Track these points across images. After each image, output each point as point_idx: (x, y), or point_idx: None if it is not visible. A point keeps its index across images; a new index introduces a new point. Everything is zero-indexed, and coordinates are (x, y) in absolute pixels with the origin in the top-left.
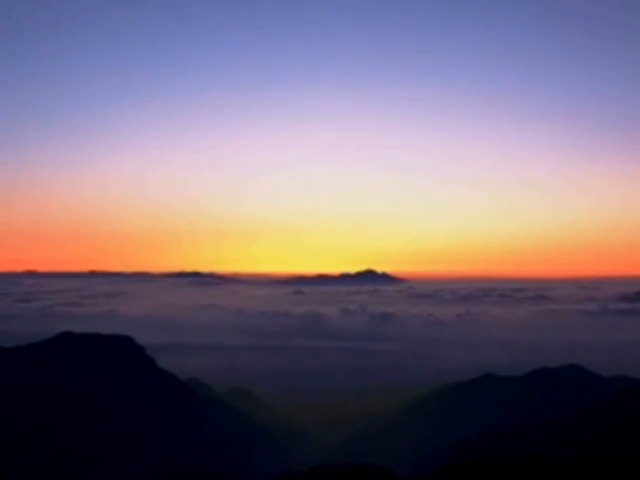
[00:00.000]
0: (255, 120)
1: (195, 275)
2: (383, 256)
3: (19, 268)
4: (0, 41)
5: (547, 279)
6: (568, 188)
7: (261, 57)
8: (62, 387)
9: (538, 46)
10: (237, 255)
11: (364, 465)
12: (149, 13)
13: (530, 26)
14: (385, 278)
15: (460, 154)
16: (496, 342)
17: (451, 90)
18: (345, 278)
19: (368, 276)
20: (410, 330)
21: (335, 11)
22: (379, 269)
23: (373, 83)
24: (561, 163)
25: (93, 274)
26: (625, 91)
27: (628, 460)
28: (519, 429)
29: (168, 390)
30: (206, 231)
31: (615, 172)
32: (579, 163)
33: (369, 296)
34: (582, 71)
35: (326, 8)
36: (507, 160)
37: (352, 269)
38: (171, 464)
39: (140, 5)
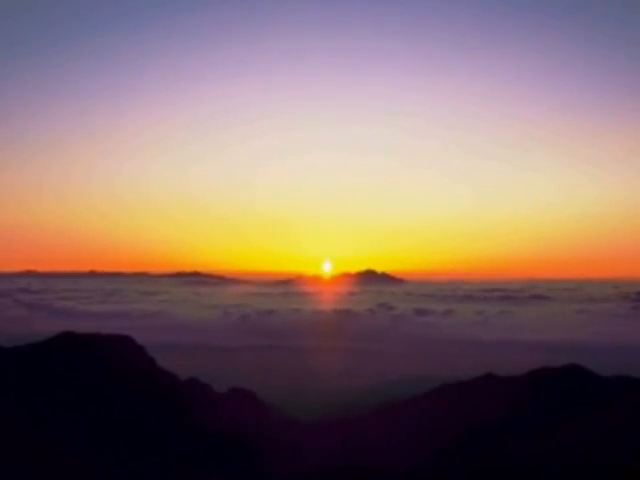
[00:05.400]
0: (254, 122)
1: (195, 275)
2: (383, 256)
3: (19, 268)
4: None
5: (548, 279)
6: (572, 189)
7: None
8: (62, 387)
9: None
10: (237, 255)
11: (365, 465)
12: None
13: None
14: (385, 278)
15: (461, 149)
16: (496, 342)
17: (450, 77)
18: (345, 278)
19: (368, 276)
20: (410, 330)
21: None
22: (379, 269)
23: (369, 75)
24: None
25: (93, 274)
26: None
27: (629, 460)
28: (519, 429)
29: (168, 390)
30: (206, 231)
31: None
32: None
33: (368, 296)
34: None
35: None
36: (510, 157)
37: (352, 269)
38: (170, 465)
39: None
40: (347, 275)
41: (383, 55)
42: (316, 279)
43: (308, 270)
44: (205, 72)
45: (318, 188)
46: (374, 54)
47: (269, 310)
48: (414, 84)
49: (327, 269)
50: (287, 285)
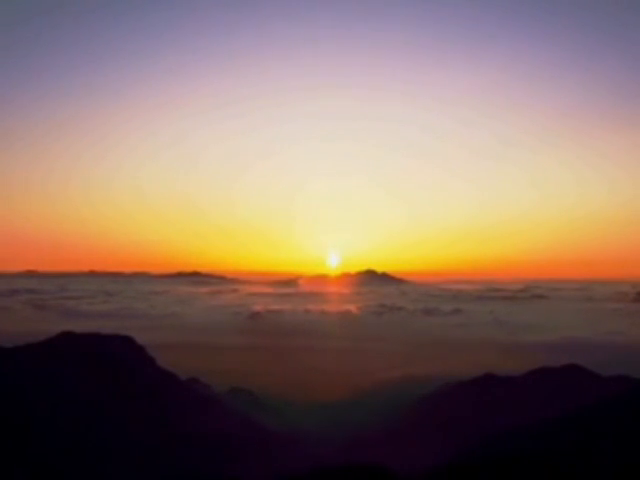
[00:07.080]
0: (255, 121)
1: (195, 275)
2: (383, 256)
3: (20, 268)
4: None
5: (548, 279)
6: (576, 189)
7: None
8: (62, 388)
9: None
10: (237, 255)
11: (364, 465)
12: None
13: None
14: (385, 278)
15: (463, 149)
16: (496, 342)
17: (454, 74)
18: (345, 278)
19: (368, 276)
20: (410, 330)
21: None
22: (379, 269)
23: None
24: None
25: (93, 274)
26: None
27: (629, 460)
28: (519, 429)
29: (168, 390)
30: (205, 231)
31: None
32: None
33: (369, 296)
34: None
35: None
36: (512, 157)
37: (352, 269)
38: (170, 465)
39: None
40: (347, 275)
41: (388, 47)
42: (317, 279)
43: (308, 270)
44: (204, 70)
45: (318, 188)
46: (377, 46)
47: (268, 310)
48: (418, 82)
49: (327, 269)
50: (288, 285)
